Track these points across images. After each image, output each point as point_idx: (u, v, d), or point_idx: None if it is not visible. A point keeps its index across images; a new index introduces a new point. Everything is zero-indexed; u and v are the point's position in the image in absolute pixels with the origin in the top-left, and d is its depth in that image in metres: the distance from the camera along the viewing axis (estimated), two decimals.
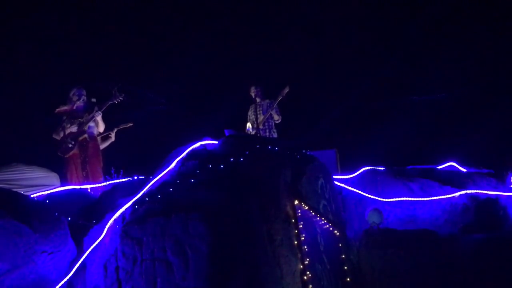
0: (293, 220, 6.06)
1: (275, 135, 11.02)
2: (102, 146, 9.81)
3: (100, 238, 6.10)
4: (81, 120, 9.39)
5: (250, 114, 11.21)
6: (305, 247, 5.99)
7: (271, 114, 10.96)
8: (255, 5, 17.16)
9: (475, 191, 9.24)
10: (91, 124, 9.47)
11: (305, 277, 5.77)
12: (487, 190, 9.28)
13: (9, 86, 14.91)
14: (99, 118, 9.50)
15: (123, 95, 9.46)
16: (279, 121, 11.12)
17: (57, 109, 9.61)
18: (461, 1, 16.61)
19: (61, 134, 9.44)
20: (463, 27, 16.71)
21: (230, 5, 16.91)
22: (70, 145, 9.28)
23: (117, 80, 9.58)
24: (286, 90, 10.92)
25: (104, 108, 9.49)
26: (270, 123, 11.06)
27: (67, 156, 9.32)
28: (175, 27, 17.14)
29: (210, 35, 17.28)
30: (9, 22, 15.09)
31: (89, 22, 15.99)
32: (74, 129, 9.35)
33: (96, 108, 9.47)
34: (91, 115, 9.41)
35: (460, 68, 16.63)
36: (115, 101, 9.46)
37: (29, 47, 15.42)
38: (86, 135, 9.36)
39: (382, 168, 9.91)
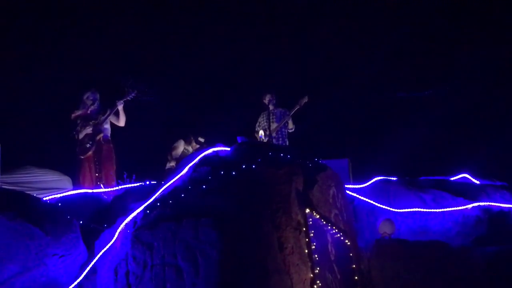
0: (304, 229, 6.04)
1: (287, 143, 10.98)
2: (121, 120, 9.69)
3: (111, 242, 6.12)
4: (96, 122, 9.43)
5: (261, 121, 11.15)
6: (316, 256, 5.97)
7: (286, 122, 10.89)
8: (269, 12, 17.20)
9: (488, 203, 9.18)
10: (106, 125, 9.51)
11: (315, 286, 5.75)
12: (500, 203, 9.22)
13: (18, 89, 15.04)
14: (121, 107, 9.47)
15: (135, 91, 9.46)
16: (293, 130, 11.06)
17: (73, 115, 9.64)
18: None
19: (76, 138, 9.49)
20: (479, 33, 16.64)
21: (245, 11, 16.95)
22: (87, 145, 9.33)
23: (128, 79, 9.56)
24: (305, 100, 10.71)
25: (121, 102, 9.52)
26: (284, 132, 11.01)
27: (84, 156, 9.34)
28: (189, 33, 17.21)
29: (223, 42, 17.32)
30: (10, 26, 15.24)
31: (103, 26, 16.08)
32: (89, 131, 9.39)
33: (109, 110, 9.49)
34: (106, 114, 9.45)
35: (475, 77, 16.54)
36: (128, 98, 9.47)
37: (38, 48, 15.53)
38: (102, 134, 9.39)
39: (394, 178, 9.88)
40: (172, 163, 10.08)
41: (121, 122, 9.61)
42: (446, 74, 17.10)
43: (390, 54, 16.84)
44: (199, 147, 10.21)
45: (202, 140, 10.33)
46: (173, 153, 10.21)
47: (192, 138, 10.42)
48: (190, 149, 10.32)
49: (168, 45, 16.98)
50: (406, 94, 17.07)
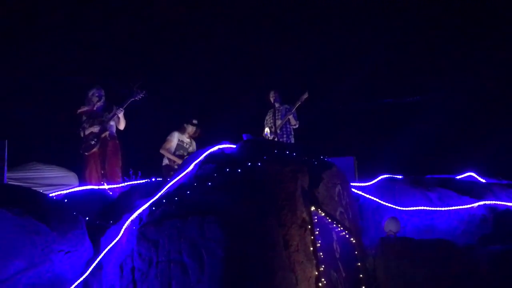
0: (309, 226, 6.04)
1: (293, 141, 11.01)
2: (121, 125, 9.71)
3: (117, 239, 6.14)
4: (102, 119, 9.43)
5: (268, 118, 11.20)
6: (321, 253, 5.97)
7: (288, 119, 10.94)
8: (273, 9, 17.20)
9: (494, 202, 9.14)
10: (111, 123, 9.51)
11: (320, 284, 5.75)
12: (506, 202, 9.17)
13: (25, 85, 15.09)
14: (121, 115, 9.50)
15: (144, 92, 9.46)
16: (297, 126, 11.09)
17: (79, 110, 9.65)
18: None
19: (82, 134, 9.49)
20: (483, 32, 16.60)
21: (249, 9, 16.94)
22: (92, 142, 9.31)
23: (138, 79, 9.58)
24: (305, 96, 10.87)
25: (126, 105, 9.51)
26: (288, 129, 11.04)
27: (88, 153, 9.34)
28: (195, 29, 17.22)
29: (230, 39, 17.33)
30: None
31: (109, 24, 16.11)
32: (95, 128, 9.38)
33: (115, 108, 9.50)
34: (112, 113, 9.44)
35: (481, 75, 16.50)
36: (136, 98, 9.46)
37: (41, 47, 15.58)
38: (108, 132, 9.39)
39: (400, 177, 9.86)
40: (168, 158, 9.91)
41: (121, 127, 9.63)
42: (452, 73, 17.08)
43: (396, 53, 16.84)
44: (195, 131, 10.07)
45: (195, 122, 10.13)
46: (168, 147, 9.96)
47: (184, 125, 10.18)
48: (185, 138, 10.07)
49: (174, 44, 17.01)
50: (411, 94, 17.07)
